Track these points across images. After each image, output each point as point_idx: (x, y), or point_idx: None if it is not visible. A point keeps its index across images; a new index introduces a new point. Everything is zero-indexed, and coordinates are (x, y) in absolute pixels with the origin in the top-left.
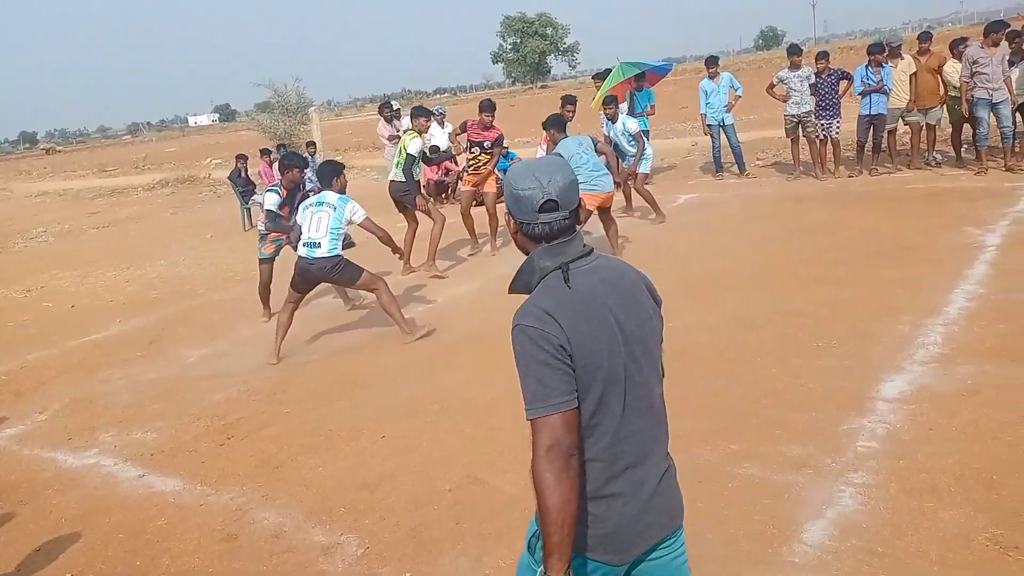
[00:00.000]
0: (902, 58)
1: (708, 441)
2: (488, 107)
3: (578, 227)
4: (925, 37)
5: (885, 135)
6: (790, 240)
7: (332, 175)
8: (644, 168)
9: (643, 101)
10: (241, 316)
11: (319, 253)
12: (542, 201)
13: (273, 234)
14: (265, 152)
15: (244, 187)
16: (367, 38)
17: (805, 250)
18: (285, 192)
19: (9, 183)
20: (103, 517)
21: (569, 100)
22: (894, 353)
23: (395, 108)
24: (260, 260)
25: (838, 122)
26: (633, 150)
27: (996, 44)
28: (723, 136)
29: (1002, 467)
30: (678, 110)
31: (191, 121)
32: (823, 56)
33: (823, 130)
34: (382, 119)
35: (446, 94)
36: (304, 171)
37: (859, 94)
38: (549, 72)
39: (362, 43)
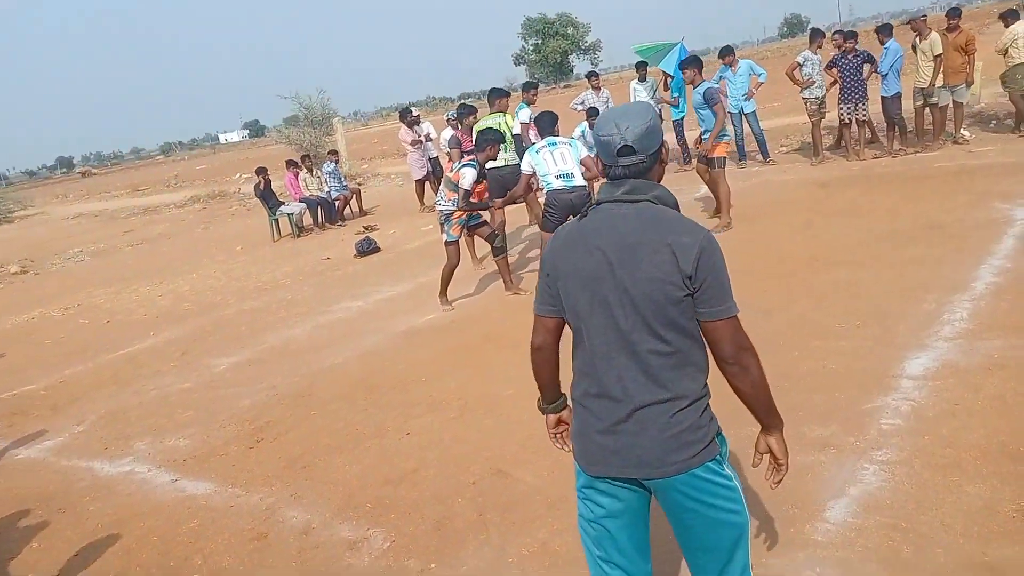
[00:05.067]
0: (929, 34)
1: (729, 426)
2: (467, 112)
3: (659, 169)
4: (954, 14)
5: (912, 115)
6: (812, 225)
7: (554, 122)
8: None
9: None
10: (268, 325)
11: (577, 182)
12: (619, 146)
13: (459, 214)
14: (291, 163)
15: (270, 199)
16: (390, 48)
17: (827, 234)
18: (479, 169)
19: (46, 206)
20: (138, 522)
21: (532, 86)
22: (918, 331)
23: (415, 114)
24: (448, 242)
25: (864, 104)
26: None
27: None
28: (745, 124)
29: None
30: None
31: (221, 138)
32: (851, 36)
33: (849, 113)
34: (404, 125)
35: (471, 99)
36: (499, 145)
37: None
38: (572, 71)
39: (386, 54)
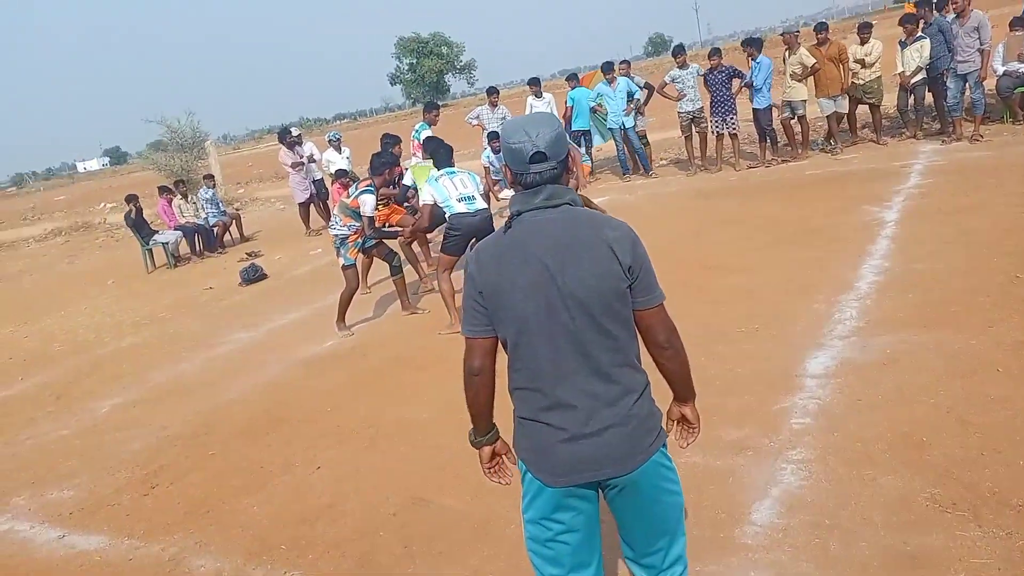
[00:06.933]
0: (798, 49)
1: None
2: (392, 142)
3: (568, 178)
4: (822, 27)
5: (785, 126)
6: (701, 233)
7: (450, 155)
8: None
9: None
10: (151, 362)
11: (479, 205)
12: (532, 152)
13: (354, 237)
14: (164, 189)
15: (142, 228)
16: (260, 68)
17: (715, 241)
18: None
19: None
20: None
21: (433, 106)
22: (814, 330)
23: (296, 134)
24: (345, 267)
25: (733, 117)
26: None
27: (959, 13)
28: (626, 139)
29: (929, 428)
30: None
31: (80, 167)
32: (715, 53)
33: (718, 126)
34: (283, 147)
35: (346, 119)
36: (396, 169)
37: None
38: (448, 90)
39: (256, 74)
